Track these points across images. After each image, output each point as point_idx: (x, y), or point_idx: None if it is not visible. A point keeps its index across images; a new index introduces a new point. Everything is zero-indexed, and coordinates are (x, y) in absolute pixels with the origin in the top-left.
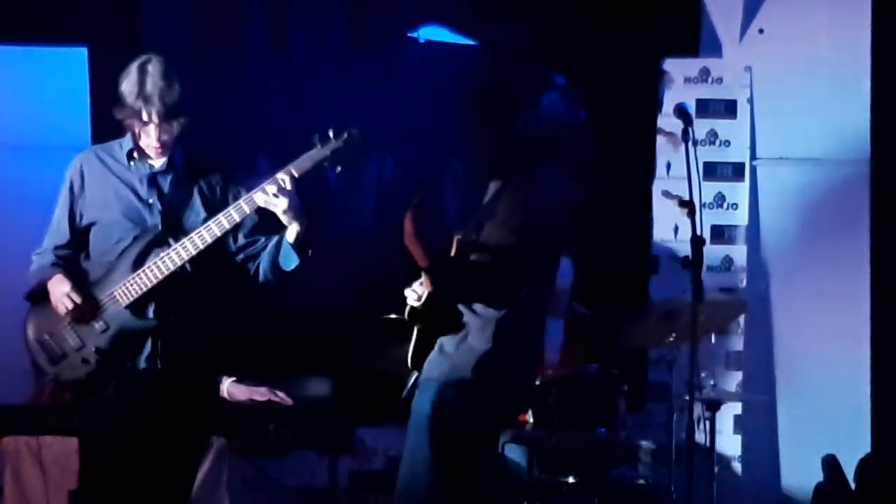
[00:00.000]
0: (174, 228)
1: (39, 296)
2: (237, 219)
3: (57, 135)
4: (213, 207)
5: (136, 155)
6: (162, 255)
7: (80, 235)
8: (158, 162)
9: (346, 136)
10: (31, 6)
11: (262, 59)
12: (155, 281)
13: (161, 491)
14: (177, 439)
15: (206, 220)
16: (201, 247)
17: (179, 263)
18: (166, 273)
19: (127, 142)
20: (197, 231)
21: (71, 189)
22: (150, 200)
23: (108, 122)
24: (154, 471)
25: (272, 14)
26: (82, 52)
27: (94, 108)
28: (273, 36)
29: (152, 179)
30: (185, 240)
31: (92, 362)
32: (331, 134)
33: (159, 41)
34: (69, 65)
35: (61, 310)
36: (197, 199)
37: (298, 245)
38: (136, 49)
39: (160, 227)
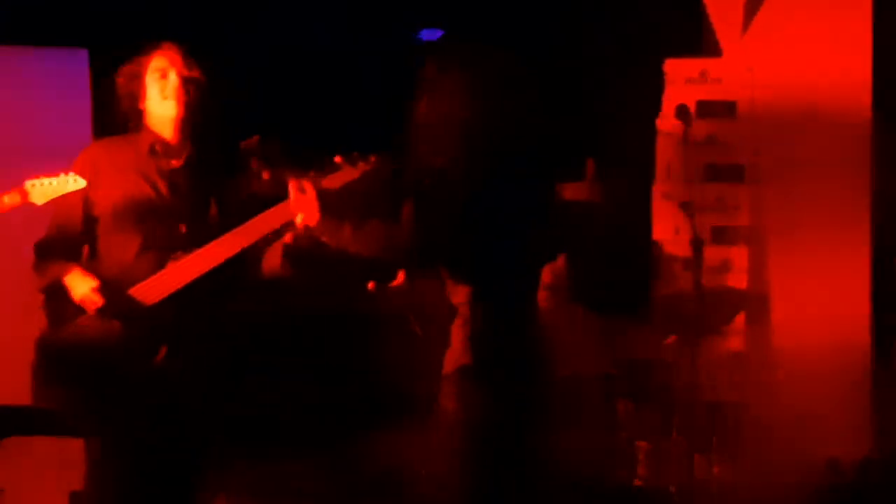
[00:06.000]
0: (196, 229)
1: (56, 291)
2: (276, 225)
3: (57, 136)
4: (230, 208)
5: (157, 149)
6: (189, 256)
7: (90, 226)
8: (177, 159)
9: (375, 159)
10: (31, 7)
11: (262, 59)
12: (183, 282)
13: (171, 491)
14: (188, 439)
15: (223, 220)
16: (234, 252)
17: (212, 266)
18: (197, 276)
19: (147, 135)
20: (228, 234)
21: (85, 177)
22: (171, 199)
23: (108, 123)
24: (164, 471)
25: (272, 13)
26: (83, 54)
27: (95, 109)
28: (273, 35)
29: (172, 177)
30: (215, 242)
31: (115, 360)
32: (358, 156)
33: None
34: (70, 66)
35: (89, 306)
36: (214, 199)
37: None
38: (136, 50)
39: (183, 229)
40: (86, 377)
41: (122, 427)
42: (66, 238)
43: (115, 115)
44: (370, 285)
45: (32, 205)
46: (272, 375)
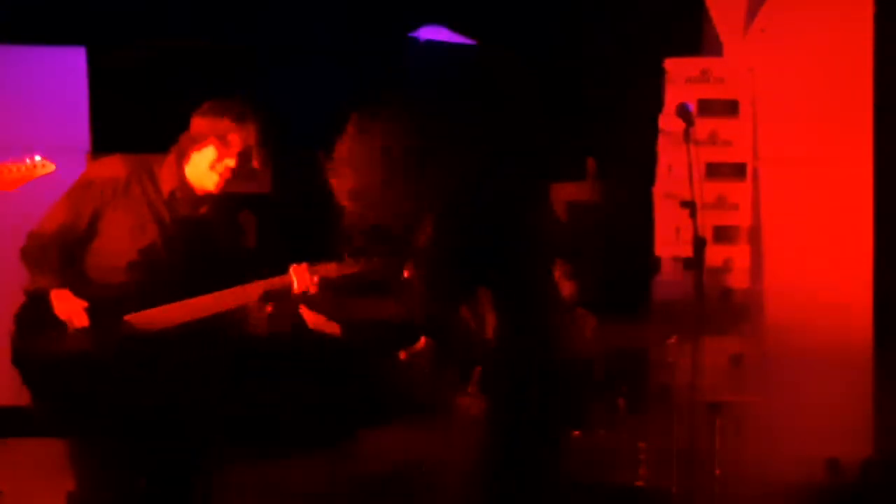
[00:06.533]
0: (193, 274)
1: (37, 302)
2: (271, 288)
3: (56, 135)
4: (231, 265)
5: (178, 195)
6: (181, 301)
7: (89, 238)
8: (195, 210)
9: (377, 261)
10: (29, 6)
11: (262, 57)
12: (168, 324)
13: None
14: (181, 447)
15: (219, 274)
16: (225, 309)
17: (199, 317)
18: (182, 322)
19: (174, 177)
20: (225, 291)
21: (102, 190)
22: (176, 242)
23: (106, 121)
24: (157, 479)
25: (271, 13)
26: (81, 52)
27: (93, 108)
28: (272, 34)
29: (184, 222)
30: (210, 296)
31: (98, 365)
32: (361, 255)
33: (158, 40)
34: (68, 65)
35: (75, 323)
36: (218, 253)
37: None
38: (135, 49)
39: (180, 271)
40: (76, 387)
41: (118, 432)
42: (66, 240)
43: (116, 115)
44: (402, 356)
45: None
46: (270, 376)
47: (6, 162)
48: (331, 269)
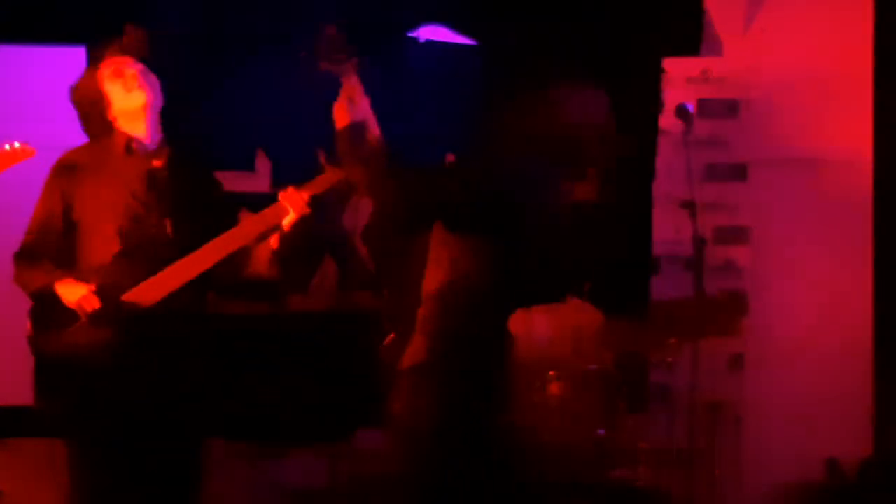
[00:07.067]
0: (182, 230)
1: (46, 299)
2: (264, 229)
3: (56, 135)
4: (214, 209)
5: (134, 146)
6: (180, 260)
7: (71, 233)
8: (157, 159)
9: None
10: (28, 5)
11: (262, 57)
12: (175, 286)
13: (163, 494)
14: (180, 442)
15: (206, 221)
16: (224, 256)
17: (202, 270)
18: (188, 279)
19: (120, 136)
20: (218, 238)
21: (63, 184)
22: (153, 201)
23: None
24: (155, 474)
25: (271, 11)
26: (81, 52)
27: None
28: (272, 33)
29: (152, 178)
30: (205, 247)
31: (109, 364)
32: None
33: (157, 37)
34: (68, 64)
35: (86, 308)
36: (197, 200)
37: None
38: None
39: (169, 230)
40: (90, 386)
41: (123, 432)
42: (48, 246)
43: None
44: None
45: None
46: (269, 374)
47: None
48: (317, 183)
